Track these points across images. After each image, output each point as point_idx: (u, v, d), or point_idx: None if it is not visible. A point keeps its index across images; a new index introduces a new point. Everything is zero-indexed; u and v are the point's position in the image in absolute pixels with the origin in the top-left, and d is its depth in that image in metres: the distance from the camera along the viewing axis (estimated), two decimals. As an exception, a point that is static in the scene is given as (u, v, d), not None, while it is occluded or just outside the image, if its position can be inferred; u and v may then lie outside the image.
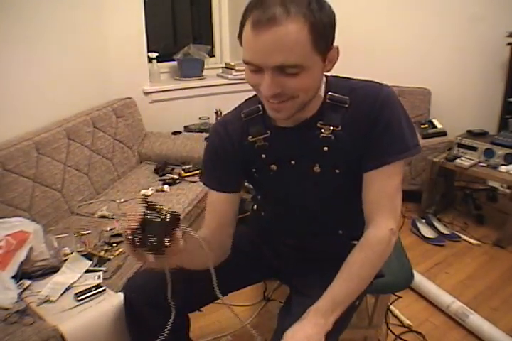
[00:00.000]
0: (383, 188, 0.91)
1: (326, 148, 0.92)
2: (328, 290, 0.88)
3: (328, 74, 0.95)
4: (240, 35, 0.80)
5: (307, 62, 0.77)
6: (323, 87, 0.92)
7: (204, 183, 1.05)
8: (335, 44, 0.83)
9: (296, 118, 0.92)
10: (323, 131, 0.91)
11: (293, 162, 0.97)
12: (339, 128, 0.90)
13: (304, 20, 0.73)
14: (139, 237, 0.69)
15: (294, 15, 0.72)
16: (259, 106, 0.96)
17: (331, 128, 0.91)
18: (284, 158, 0.97)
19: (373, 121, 0.89)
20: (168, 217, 0.69)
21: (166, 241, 0.70)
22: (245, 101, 1.03)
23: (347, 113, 0.90)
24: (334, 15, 0.80)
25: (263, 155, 0.98)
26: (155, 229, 0.69)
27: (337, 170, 0.94)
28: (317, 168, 0.95)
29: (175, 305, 0.95)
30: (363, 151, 0.91)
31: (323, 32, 0.76)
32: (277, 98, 0.81)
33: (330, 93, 0.91)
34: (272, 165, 0.98)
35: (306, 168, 0.96)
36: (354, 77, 0.97)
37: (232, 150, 0.99)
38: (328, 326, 0.84)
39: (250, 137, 0.97)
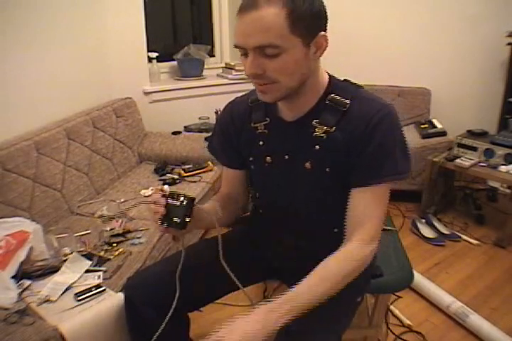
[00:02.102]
0: (367, 208, 0.92)
1: (317, 147, 0.95)
2: (290, 291, 0.84)
3: (341, 78, 0.99)
4: None
5: (285, 44, 0.81)
6: (323, 81, 0.95)
7: (211, 152, 1.19)
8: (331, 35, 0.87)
9: (293, 112, 0.96)
10: (317, 129, 0.94)
11: (287, 156, 1.00)
12: (333, 129, 0.93)
13: (283, 5, 0.79)
14: (165, 220, 0.91)
15: (274, 2, 0.79)
16: None
17: (325, 128, 0.93)
18: (279, 151, 1.00)
19: (367, 140, 0.90)
20: (185, 202, 0.91)
21: (187, 219, 0.92)
22: None
23: (344, 116, 0.92)
24: (320, 5, 0.85)
25: (261, 142, 1.02)
26: (177, 212, 0.91)
27: (327, 169, 0.96)
28: (308, 165, 0.97)
29: (175, 305, 0.96)
30: (352, 159, 0.92)
31: (302, 17, 0.81)
32: (259, 79, 0.87)
33: (332, 95, 0.93)
34: (268, 157, 1.02)
35: (299, 164, 0.98)
36: (365, 87, 0.98)
37: (234, 131, 1.07)
38: (272, 326, 0.79)
39: (253, 123, 1.02)
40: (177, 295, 0.98)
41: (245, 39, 0.82)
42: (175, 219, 0.91)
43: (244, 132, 1.05)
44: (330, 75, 0.98)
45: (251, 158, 1.06)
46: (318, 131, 0.93)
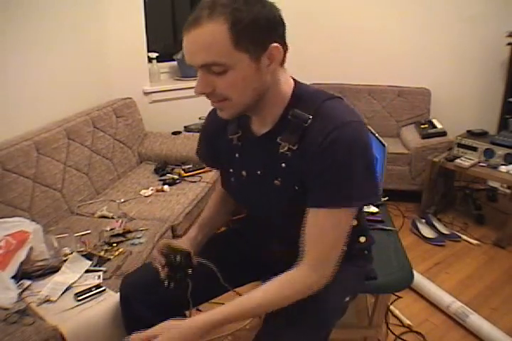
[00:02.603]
0: (321, 231, 0.86)
1: (283, 165, 0.90)
2: (226, 305, 0.86)
3: (309, 83, 0.94)
4: None
5: (229, 61, 0.77)
6: (286, 92, 0.89)
7: (200, 159, 1.22)
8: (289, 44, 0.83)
9: (260, 126, 0.93)
10: (281, 146, 0.89)
11: (259, 172, 0.96)
12: (295, 147, 0.87)
13: (224, 20, 0.75)
14: (171, 278, 1.02)
15: (216, 16, 0.75)
16: None
17: (288, 145, 0.88)
18: (252, 167, 0.98)
19: (322, 159, 0.83)
20: (182, 259, 1.01)
21: (189, 271, 1.02)
22: None
23: (306, 132, 0.86)
24: (269, 14, 0.79)
25: (237, 155, 1.00)
26: (177, 269, 1.01)
27: (296, 187, 0.91)
28: (278, 182, 0.93)
29: (175, 304, 0.96)
30: (306, 179, 0.87)
31: (246, 31, 0.76)
32: (211, 97, 0.85)
33: (295, 109, 0.88)
34: (243, 172, 1.00)
35: (269, 181, 0.94)
36: (336, 94, 0.91)
37: (216, 140, 1.06)
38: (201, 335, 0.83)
39: (229, 135, 1.01)
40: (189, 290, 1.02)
41: (191, 57, 0.79)
42: (177, 274, 1.01)
43: (223, 142, 1.03)
44: (297, 85, 0.91)
45: (231, 170, 1.03)
46: (282, 149, 0.89)
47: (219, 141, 1.04)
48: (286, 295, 0.87)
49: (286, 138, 0.88)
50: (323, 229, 0.86)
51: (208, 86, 0.81)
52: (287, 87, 0.89)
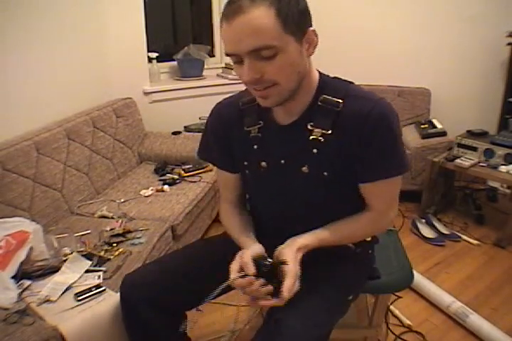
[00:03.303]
0: (382, 193, 0.97)
1: (315, 150, 0.93)
2: (318, 231, 0.97)
3: (331, 75, 0.97)
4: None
5: (279, 43, 0.79)
6: (315, 80, 0.93)
7: (201, 158, 1.17)
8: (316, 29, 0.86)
9: (287, 115, 0.94)
10: (313, 133, 0.92)
11: (283, 161, 0.98)
12: (329, 132, 0.91)
13: (270, 4, 0.78)
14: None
15: (259, 3, 0.78)
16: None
17: (322, 131, 0.91)
18: (275, 156, 0.98)
19: (367, 142, 0.89)
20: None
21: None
22: (246, 89, 1.04)
23: (338, 117, 0.90)
24: (305, 1, 0.84)
25: (255, 146, 1.00)
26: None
27: (325, 173, 0.94)
28: (305, 169, 0.95)
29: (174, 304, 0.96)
30: (350, 160, 0.93)
31: (291, 15, 0.80)
32: (259, 84, 0.84)
33: (323, 95, 0.91)
34: (263, 163, 1.00)
35: (295, 168, 0.96)
36: (355, 83, 0.97)
37: (224, 135, 1.04)
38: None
39: (246, 127, 1.00)
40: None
41: (237, 45, 0.80)
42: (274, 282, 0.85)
43: (236, 136, 1.02)
44: (320, 73, 0.96)
45: (245, 163, 1.04)
46: (315, 135, 0.92)
47: (231, 135, 1.03)
48: (377, 229, 1.07)
49: (319, 124, 0.91)
50: (386, 191, 0.97)
51: (257, 72, 0.82)
52: (315, 75, 0.94)
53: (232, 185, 1.13)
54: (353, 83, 0.96)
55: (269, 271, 0.86)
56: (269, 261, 0.88)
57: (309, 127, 0.92)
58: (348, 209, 1.00)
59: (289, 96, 0.88)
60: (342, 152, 0.92)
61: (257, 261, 0.87)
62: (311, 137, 0.92)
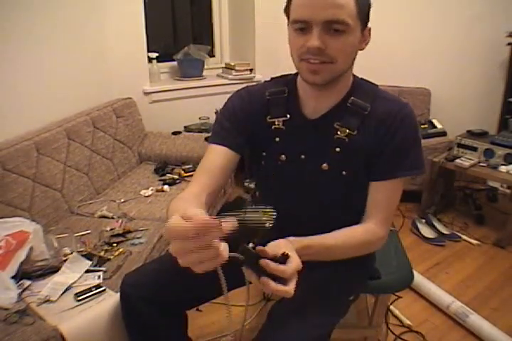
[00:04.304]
0: (386, 197, 0.97)
1: (338, 149, 0.95)
2: (308, 237, 0.89)
3: (359, 76, 1.00)
4: (288, 3, 0.88)
5: (352, 23, 0.84)
6: (350, 79, 0.96)
7: (208, 141, 1.04)
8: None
9: (316, 109, 0.95)
10: (339, 132, 0.94)
11: (303, 156, 0.98)
12: (355, 132, 0.93)
13: None
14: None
15: None
16: (286, 88, 0.99)
17: (347, 131, 0.93)
18: (296, 150, 0.98)
19: (388, 140, 0.92)
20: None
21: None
22: (272, 79, 1.04)
23: (365, 119, 0.93)
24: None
25: (277, 139, 0.99)
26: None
27: (344, 172, 0.96)
28: (325, 166, 0.96)
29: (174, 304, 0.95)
30: (369, 160, 0.94)
31: (364, 5, 0.87)
32: (319, 56, 0.85)
33: (353, 98, 0.94)
34: (282, 156, 0.99)
35: (315, 165, 0.97)
36: (379, 85, 1.00)
37: (246, 120, 1.00)
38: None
39: (269, 117, 0.99)
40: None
41: (315, 12, 0.81)
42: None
43: (257, 125, 1.00)
44: (354, 74, 0.99)
45: (264, 154, 1.02)
46: (340, 134, 0.94)
47: (252, 121, 1.00)
48: (370, 248, 1.01)
49: (346, 124, 0.93)
50: (390, 196, 0.98)
51: (323, 43, 0.84)
52: (351, 75, 0.97)
53: (217, 169, 0.98)
54: (377, 85, 1.00)
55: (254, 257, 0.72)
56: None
57: (336, 126, 0.94)
58: (351, 218, 0.99)
59: (336, 79, 0.90)
60: (364, 152, 0.94)
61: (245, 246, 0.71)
62: (336, 136, 0.94)
